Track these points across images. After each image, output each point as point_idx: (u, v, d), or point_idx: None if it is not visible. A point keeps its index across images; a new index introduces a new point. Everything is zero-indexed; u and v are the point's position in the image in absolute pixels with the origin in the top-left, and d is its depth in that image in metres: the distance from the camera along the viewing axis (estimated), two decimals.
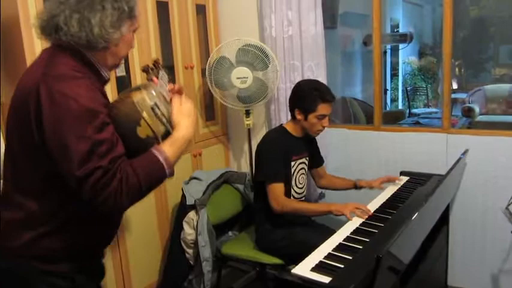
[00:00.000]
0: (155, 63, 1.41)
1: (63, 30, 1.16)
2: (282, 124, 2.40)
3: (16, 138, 1.21)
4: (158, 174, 1.20)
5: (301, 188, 2.36)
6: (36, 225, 1.22)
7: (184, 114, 1.32)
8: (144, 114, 1.20)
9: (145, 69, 1.40)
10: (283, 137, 2.29)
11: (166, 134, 1.26)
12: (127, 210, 1.36)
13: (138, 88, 1.30)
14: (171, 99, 1.36)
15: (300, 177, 2.34)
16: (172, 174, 1.24)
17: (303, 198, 2.40)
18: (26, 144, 1.18)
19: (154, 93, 1.28)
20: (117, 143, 1.15)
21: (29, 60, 1.92)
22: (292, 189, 2.30)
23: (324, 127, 2.26)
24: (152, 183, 1.20)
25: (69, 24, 1.16)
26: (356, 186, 2.46)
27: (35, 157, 1.18)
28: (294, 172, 2.29)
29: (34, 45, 1.96)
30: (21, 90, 1.18)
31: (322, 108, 2.19)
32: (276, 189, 2.16)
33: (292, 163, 2.28)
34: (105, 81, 1.31)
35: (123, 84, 2.39)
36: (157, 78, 1.38)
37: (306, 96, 2.21)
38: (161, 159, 1.19)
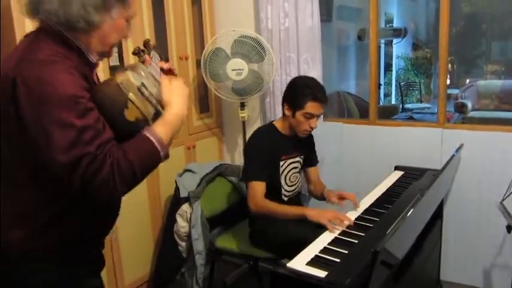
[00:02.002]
0: (145, 44, 1.36)
1: (45, 7, 1.10)
2: (272, 121, 2.32)
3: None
4: (152, 157, 1.15)
5: (293, 186, 2.30)
6: (29, 220, 1.17)
7: (175, 91, 1.25)
8: (131, 95, 1.13)
9: (135, 52, 1.34)
10: (271, 136, 2.21)
11: (157, 115, 1.19)
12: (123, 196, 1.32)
13: (124, 69, 1.22)
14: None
15: (292, 176, 2.28)
16: (167, 156, 1.18)
17: (295, 194, 2.35)
18: (9, 134, 1.12)
19: (142, 73, 1.20)
20: (104, 128, 1.09)
21: None
22: (282, 189, 2.25)
23: (311, 128, 2.16)
24: (146, 167, 1.14)
25: (51, 2, 1.09)
26: (322, 195, 2.30)
27: (19, 147, 1.12)
28: (283, 172, 2.23)
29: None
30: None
31: (311, 107, 2.09)
32: (255, 187, 2.09)
33: (281, 163, 2.22)
34: (93, 66, 1.24)
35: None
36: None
37: (297, 91, 2.12)
38: (154, 140, 1.13)
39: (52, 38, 1.12)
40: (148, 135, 1.14)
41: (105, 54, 1.27)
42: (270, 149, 2.17)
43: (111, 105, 1.13)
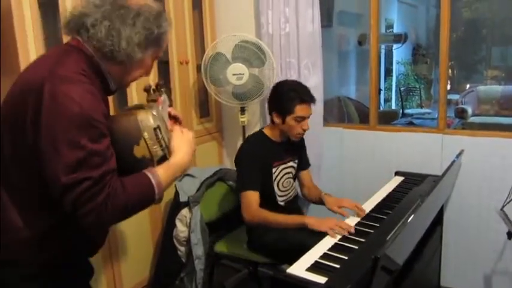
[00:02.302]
0: (157, 85, 1.39)
1: (89, 32, 1.14)
2: (262, 128, 2.30)
3: (8, 135, 1.15)
4: (147, 198, 1.17)
5: (286, 191, 2.28)
6: (24, 231, 1.16)
7: (184, 142, 1.30)
8: (145, 134, 1.17)
9: (147, 89, 1.38)
10: (261, 144, 2.19)
11: (163, 158, 1.23)
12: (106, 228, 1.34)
13: (141, 107, 1.26)
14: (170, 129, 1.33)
15: (285, 182, 2.26)
16: (160, 200, 1.21)
17: (291, 198, 2.32)
18: (18, 142, 1.12)
19: (156, 114, 1.25)
20: (111, 157, 1.11)
21: (21, 54, 1.87)
22: (276, 195, 2.24)
23: (304, 130, 2.14)
24: (139, 206, 1.16)
25: (97, 29, 1.13)
26: (320, 199, 2.24)
27: (24, 158, 1.12)
28: (275, 178, 2.21)
29: (27, 39, 1.91)
30: (24, 85, 1.12)
31: (300, 110, 2.07)
32: (249, 197, 2.07)
33: (274, 169, 2.20)
34: (110, 93, 1.27)
35: (119, 91, 2.35)
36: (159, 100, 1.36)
37: (283, 97, 2.09)
38: (154, 183, 1.16)
39: (82, 58, 1.15)
40: (150, 176, 1.16)
41: (123, 86, 1.31)
42: (261, 157, 2.14)
43: (124, 138, 1.17)
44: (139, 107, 1.27)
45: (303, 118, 2.10)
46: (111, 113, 1.46)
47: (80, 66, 1.12)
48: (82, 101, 1.05)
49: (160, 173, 1.18)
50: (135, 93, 2.42)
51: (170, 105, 1.48)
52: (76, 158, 1.04)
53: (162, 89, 1.40)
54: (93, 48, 1.15)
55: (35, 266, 1.21)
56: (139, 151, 1.17)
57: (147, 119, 1.19)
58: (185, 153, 1.28)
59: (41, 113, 1.05)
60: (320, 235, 1.83)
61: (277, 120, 2.14)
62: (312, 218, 1.96)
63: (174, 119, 1.41)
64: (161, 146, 1.21)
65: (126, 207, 1.12)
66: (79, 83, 1.08)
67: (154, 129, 1.19)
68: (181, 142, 1.29)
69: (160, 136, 1.20)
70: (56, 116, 1.04)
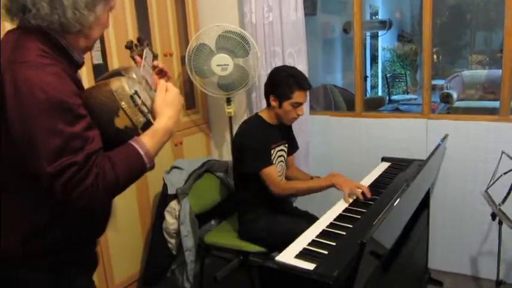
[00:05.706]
0: (139, 39, 1.34)
1: (32, 12, 1.06)
2: (257, 113, 2.34)
3: None
4: (138, 169, 1.14)
5: (280, 176, 2.32)
6: (22, 225, 1.14)
7: (168, 103, 1.24)
8: (123, 104, 1.11)
9: (128, 46, 1.33)
10: (260, 126, 2.23)
11: (147, 124, 1.18)
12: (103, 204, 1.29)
13: (117, 72, 1.20)
14: (155, 84, 1.28)
15: (279, 165, 2.30)
16: (152, 167, 1.18)
17: None
18: None
19: (135, 77, 1.19)
20: (94, 136, 1.07)
21: None
22: None
23: (298, 115, 2.21)
24: (131, 178, 1.13)
25: (38, 6, 1.05)
26: None
27: (6, 155, 1.08)
28: (273, 160, 2.25)
29: None
30: None
31: (298, 96, 2.14)
32: (270, 172, 2.13)
33: (271, 151, 2.25)
34: (79, 66, 1.22)
35: (100, 72, 2.32)
36: (141, 56, 1.31)
37: (282, 82, 2.15)
38: (142, 152, 1.13)
39: (39, 37, 1.08)
40: (137, 146, 1.13)
41: (88, 49, 1.24)
42: (263, 139, 2.19)
43: (102, 112, 1.11)
44: (116, 73, 1.21)
45: (300, 104, 2.17)
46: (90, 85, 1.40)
47: (38, 47, 1.06)
48: (46, 86, 1.00)
49: (146, 141, 1.15)
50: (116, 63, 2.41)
51: (155, 59, 1.41)
52: (56, 145, 1.00)
53: (145, 43, 1.35)
54: (44, 27, 1.08)
55: (43, 260, 1.19)
56: (120, 122, 1.12)
57: (122, 88, 1.12)
58: (169, 118, 1.22)
59: (6, 107, 1.00)
60: (308, 221, 1.85)
61: (274, 103, 2.19)
62: (340, 178, 2.09)
63: (162, 72, 1.35)
64: (142, 112, 1.15)
65: (118, 183, 1.09)
66: (41, 67, 1.03)
67: (131, 96, 1.12)
68: (165, 104, 1.23)
69: (139, 102, 1.14)
70: (23, 107, 1.00)
